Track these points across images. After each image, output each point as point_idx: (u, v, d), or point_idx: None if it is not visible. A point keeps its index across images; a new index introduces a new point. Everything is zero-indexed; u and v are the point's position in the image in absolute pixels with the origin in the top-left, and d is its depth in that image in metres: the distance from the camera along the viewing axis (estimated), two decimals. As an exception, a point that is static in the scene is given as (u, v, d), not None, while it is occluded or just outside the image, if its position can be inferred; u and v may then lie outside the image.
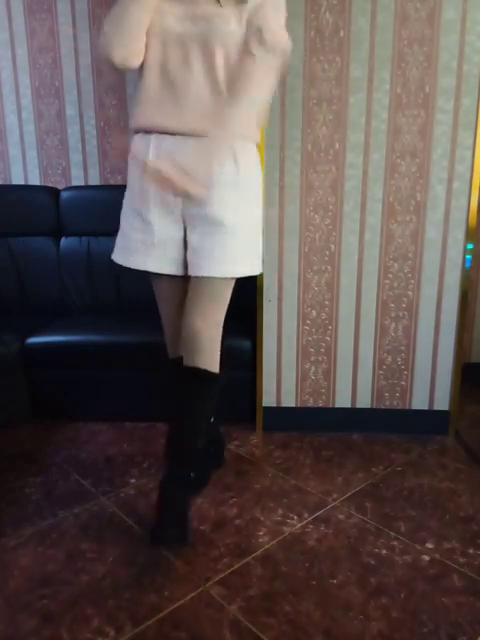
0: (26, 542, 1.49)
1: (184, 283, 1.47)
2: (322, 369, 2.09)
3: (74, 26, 2.53)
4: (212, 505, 1.66)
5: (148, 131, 1.38)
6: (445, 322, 2.01)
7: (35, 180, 2.72)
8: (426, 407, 2.10)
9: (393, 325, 2.04)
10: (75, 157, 2.67)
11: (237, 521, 1.58)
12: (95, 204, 2.51)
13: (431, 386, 2.08)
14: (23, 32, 2.56)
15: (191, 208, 1.39)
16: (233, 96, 1.33)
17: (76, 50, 2.55)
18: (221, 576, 1.36)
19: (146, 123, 1.38)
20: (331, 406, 2.12)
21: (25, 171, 2.72)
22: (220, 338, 1.45)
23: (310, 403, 2.13)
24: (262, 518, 1.59)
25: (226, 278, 1.41)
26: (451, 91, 1.82)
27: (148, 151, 1.38)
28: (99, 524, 1.57)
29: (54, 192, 2.54)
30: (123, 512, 1.63)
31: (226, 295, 1.45)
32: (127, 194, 1.49)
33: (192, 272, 1.41)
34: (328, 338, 2.06)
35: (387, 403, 2.11)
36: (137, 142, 1.42)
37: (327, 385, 2.11)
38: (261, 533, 1.52)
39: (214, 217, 1.37)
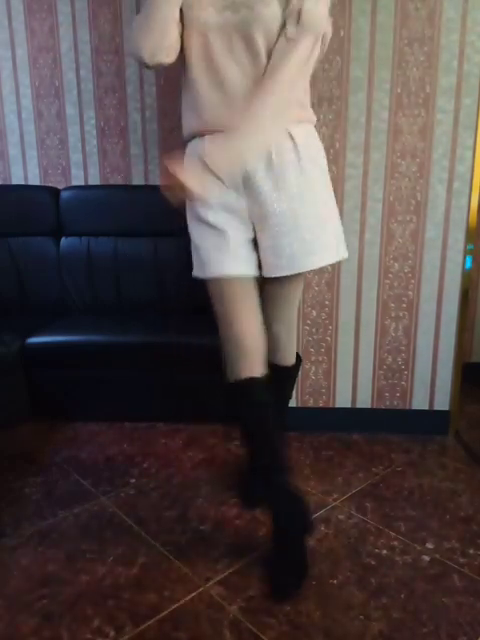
0: (26, 542, 1.49)
1: (257, 286, 1.40)
2: (322, 369, 2.09)
3: (74, 26, 2.53)
4: (212, 505, 1.66)
5: (201, 134, 1.32)
6: (445, 322, 2.01)
7: (35, 180, 2.72)
8: (426, 407, 2.10)
9: (393, 325, 2.04)
10: (75, 157, 2.67)
11: (237, 521, 1.58)
12: (95, 204, 2.50)
13: (431, 386, 2.08)
14: (23, 32, 2.56)
15: (256, 208, 1.33)
16: (275, 81, 1.24)
17: (76, 50, 2.55)
18: (221, 576, 1.36)
19: (198, 126, 1.32)
20: (331, 406, 2.12)
21: (25, 171, 2.72)
22: (296, 330, 1.56)
23: (310, 403, 2.12)
24: (262, 518, 1.59)
25: (301, 274, 1.39)
26: (452, 91, 1.82)
27: (203, 153, 1.30)
28: (99, 524, 1.57)
29: (54, 192, 2.54)
30: (123, 512, 1.63)
31: (301, 289, 1.51)
32: (188, 207, 1.41)
33: (269, 272, 1.36)
34: (328, 338, 2.06)
35: (387, 403, 2.11)
36: (191, 147, 1.36)
37: (327, 385, 2.11)
38: (261, 533, 1.52)
39: (282, 212, 1.30)
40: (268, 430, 1.38)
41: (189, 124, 1.36)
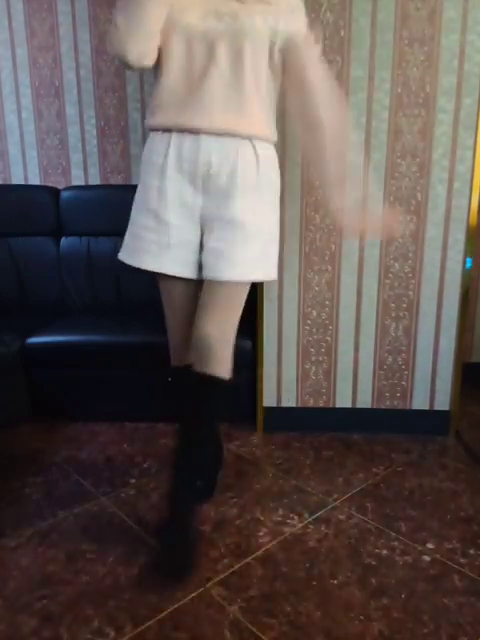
0: (26, 542, 1.49)
1: (196, 288, 1.43)
2: (322, 369, 2.09)
3: (74, 26, 2.53)
4: (212, 505, 1.65)
5: (167, 129, 1.34)
6: (445, 322, 2.01)
7: (35, 180, 2.72)
8: (426, 407, 2.10)
9: (393, 325, 2.04)
10: (75, 157, 2.67)
11: (237, 521, 1.58)
12: (95, 204, 2.50)
13: (431, 386, 2.08)
14: (23, 32, 2.56)
15: (211, 209, 1.36)
16: (258, 95, 1.32)
17: (76, 50, 2.55)
18: (221, 576, 1.36)
19: (167, 122, 1.33)
20: (331, 406, 2.12)
21: (25, 171, 2.72)
22: (233, 344, 1.42)
23: (310, 403, 2.12)
24: (262, 518, 1.59)
25: (243, 282, 1.38)
26: (452, 91, 1.82)
27: (168, 150, 1.34)
28: (99, 524, 1.57)
29: (54, 192, 2.54)
30: (123, 512, 1.62)
31: (242, 300, 1.42)
32: (140, 193, 1.42)
33: (208, 274, 1.37)
34: (328, 338, 2.06)
35: (387, 403, 2.11)
36: (154, 140, 1.37)
37: (327, 385, 2.10)
38: (261, 533, 1.52)
39: (235, 219, 1.33)
40: (185, 422, 1.45)
41: (155, 118, 1.36)
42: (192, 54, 1.29)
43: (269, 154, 1.39)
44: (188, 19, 1.27)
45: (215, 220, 1.36)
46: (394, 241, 1.95)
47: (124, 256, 1.48)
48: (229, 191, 1.34)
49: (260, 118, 1.34)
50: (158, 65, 1.33)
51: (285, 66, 1.37)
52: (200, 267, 1.40)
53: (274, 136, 1.42)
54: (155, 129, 1.37)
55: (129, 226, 1.46)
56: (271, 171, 1.40)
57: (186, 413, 1.46)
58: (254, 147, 1.35)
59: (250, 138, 1.34)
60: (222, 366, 1.39)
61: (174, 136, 1.33)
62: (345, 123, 1.48)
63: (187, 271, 1.41)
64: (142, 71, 1.34)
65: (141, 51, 1.25)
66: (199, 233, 1.39)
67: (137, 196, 1.43)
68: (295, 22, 1.34)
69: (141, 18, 1.23)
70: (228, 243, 1.34)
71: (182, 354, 1.51)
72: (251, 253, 1.36)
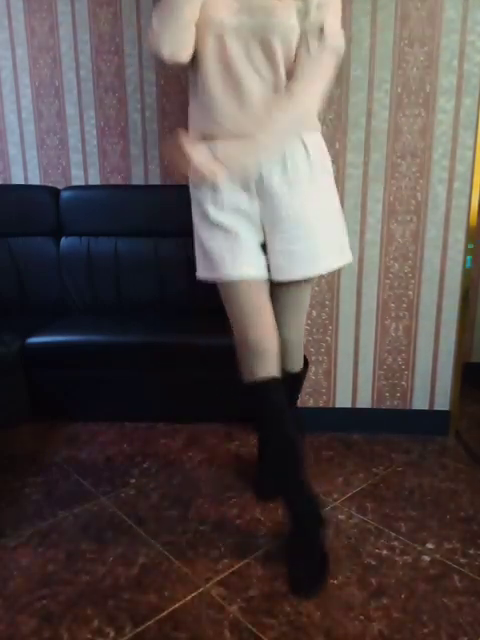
0: (26, 542, 1.49)
1: (268, 288, 1.41)
2: (322, 369, 2.09)
3: (74, 26, 2.53)
4: (212, 505, 1.66)
5: (212, 137, 1.30)
6: (445, 322, 2.01)
7: (35, 180, 2.72)
8: (426, 407, 2.10)
9: (393, 325, 2.03)
10: (75, 157, 2.67)
11: (237, 521, 1.58)
12: (95, 204, 2.50)
13: (431, 386, 2.08)
14: (23, 32, 2.56)
15: (270, 211, 1.34)
16: (297, 95, 1.28)
17: (76, 50, 2.55)
18: (221, 576, 1.36)
19: (210, 129, 1.31)
20: (331, 406, 2.12)
21: (25, 171, 2.72)
22: (304, 334, 1.57)
23: (310, 403, 2.12)
24: (262, 518, 1.59)
25: (311, 278, 1.41)
26: (452, 91, 1.82)
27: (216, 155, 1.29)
28: (99, 524, 1.57)
29: (54, 192, 2.54)
30: (123, 512, 1.62)
31: (309, 296, 1.52)
32: (196, 209, 1.40)
33: (279, 277, 1.37)
34: (328, 338, 2.06)
35: (387, 403, 2.11)
36: (201, 151, 1.30)
37: (327, 385, 2.10)
38: (262, 533, 1.52)
39: (297, 216, 1.32)
40: (286, 430, 1.40)
41: (199, 126, 1.35)
42: (226, 52, 1.26)
43: (317, 141, 1.37)
44: (221, 16, 1.25)
45: (276, 221, 1.34)
46: (394, 240, 1.95)
47: (202, 273, 1.41)
48: (284, 189, 1.32)
49: (308, 120, 1.33)
50: (194, 67, 1.31)
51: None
52: (268, 268, 1.39)
53: (318, 124, 1.38)
54: (199, 138, 1.33)
55: (196, 245, 1.42)
56: (322, 157, 1.38)
57: (279, 420, 1.40)
58: (301, 138, 1.32)
59: (296, 133, 1.32)
60: (299, 360, 1.58)
61: (220, 144, 1.29)
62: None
63: (260, 272, 1.37)
64: (176, 67, 1.31)
65: (175, 47, 1.24)
66: (262, 235, 1.38)
67: (194, 213, 1.41)
68: (326, 14, 1.26)
69: (173, 11, 1.23)
70: (293, 243, 1.34)
71: (268, 364, 1.38)
72: (318, 247, 1.36)
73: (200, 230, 1.40)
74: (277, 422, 1.40)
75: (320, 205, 1.36)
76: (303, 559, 1.36)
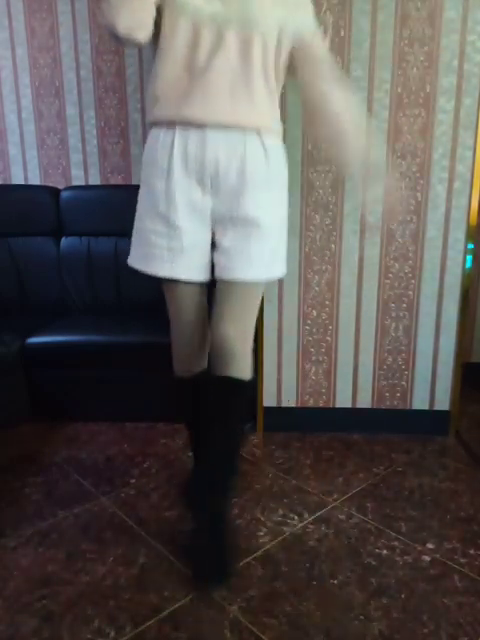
0: (26, 542, 1.49)
1: (206, 290, 1.42)
2: (322, 369, 2.09)
3: (74, 26, 2.53)
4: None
5: (170, 124, 1.26)
6: (445, 322, 2.01)
7: (35, 180, 2.72)
8: (426, 407, 2.10)
9: (393, 325, 2.03)
10: (75, 157, 2.67)
11: (238, 521, 1.58)
12: (95, 204, 2.50)
13: (431, 386, 2.08)
14: (23, 32, 2.56)
15: (222, 209, 1.31)
16: (267, 86, 1.28)
17: (76, 50, 2.55)
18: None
19: (169, 114, 1.25)
20: (331, 406, 2.12)
21: (25, 171, 2.72)
22: (252, 343, 1.39)
23: (310, 403, 2.12)
24: (262, 518, 1.59)
25: (260, 281, 1.36)
26: (452, 91, 1.82)
27: (172, 149, 1.27)
28: (99, 524, 1.57)
29: (54, 192, 2.54)
30: (123, 512, 1.62)
31: (259, 299, 1.40)
32: (144, 196, 1.35)
33: (224, 275, 1.33)
34: (328, 338, 2.06)
35: (387, 403, 2.11)
36: (157, 138, 1.29)
37: (327, 385, 2.10)
38: (262, 533, 1.52)
39: (248, 217, 1.29)
40: (201, 429, 1.45)
41: (160, 109, 1.28)
42: (198, 39, 1.22)
43: (276, 146, 1.35)
44: (195, 2, 1.20)
45: (227, 220, 1.31)
46: (394, 240, 1.96)
47: (134, 262, 1.40)
48: (240, 189, 1.29)
49: (267, 109, 1.30)
50: (159, 49, 1.25)
51: (297, 64, 1.34)
52: (211, 268, 1.37)
53: (281, 128, 1.38)
54: (157, 123, 1.29)
55: (135, 230, 1.39)
56: (280, 164, 1.36)
57: (208, 419, 1.40)
58: (262, 139, 1.29)
59: (258, 130, 1.28)
60: (244, 367, 1.36)
61: (178, 132, 1.26)
62: (359, 117, 1.46)
63: (201, 274, 1.37)
64: (134, 46, 1.27)
65: (132, 22, 1.17)
66: (210, 234, 1.35)
67: (141, 199, 1.36)
68: (303, 17, 1.31)
69: None
70: (243, 242, 1.31)
71: (193, 363, 1.47)
72: (266, 251, 1.34)
73: (145, 217, 1.35)
74: (192, 418, 1.51)
75: (271, 213, 1.33)
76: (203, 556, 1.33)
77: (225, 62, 1.23)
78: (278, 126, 1.36)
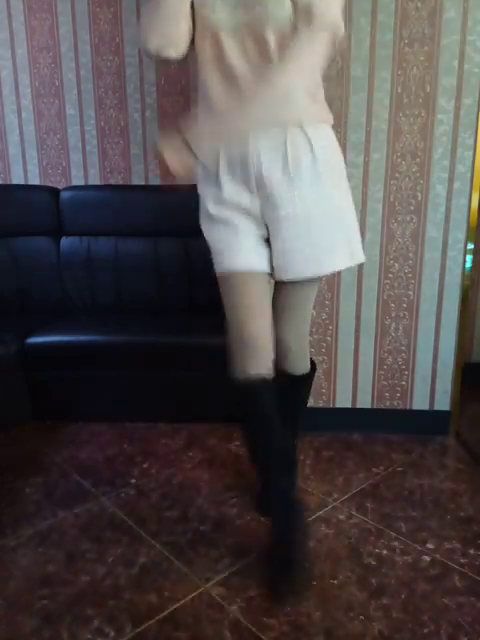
0: (26, 542, 1.49)
1: (269, 284, 1.40)
2: (322, 369, 2.09)
3: (74, 26, 2.53)
4: (212, 505, 1.65)
5: (220, 140, 1.31)
6: (445, 322, 2.01)
7: (35, 180, 2.72)
8: (427, 407, 2.10)
9: (393, 325, 2.03)
10: (75, 157, 2.67)
11: (238, 521, 1.58)
12: (95, 204, 2.50)
13: (431, 386, 2.08)
14: (23, 32, 2.56)
15: (270, 210, 1.31)
16: (298, 78, 1.24)
17: (76, 50, 2.55)
18: (221, 576, 1.36)
19: (218, 130, 1.29)
20: (331, 406, 2.12)
21: (25, 171, 2.72)
22: (308, 338, 1.50)
23: (310, 403, 2.12)
24: (262, 518, 1.59)
25: (314, 279, 1.37)
26: (452, 91, 1.82)
27: (218, 157, 1.30)
28: (99, 524, 1.57)
29: (54, 192, 2.54)
30: (123, 512, 1.62)
31: (313, 296, 1.45)
32: (201, 208, 1.39)
33: (281, 276, 1.34)
34: (328, 338, 2.06)
35: (387, 403, 2.11)
36: (204, 148, 1.31)
37: (327, 385, 2.10)
38: (261, 533, 1.52)
39: (294, 216, 1.29)
40: (272, 430, 1.38)
41: (208, 129, 1.31)
42: (224, 50, 1.25)
43: (323, 136, 1.31)
44: (218, 17, 1.23)
45: (276, 220, 1.31)
46: (394, 240, 1.95)
47: (218, 269, 1.38)
48: (284, 187, 1.28)
49: (303, 99, 1.27)
50: (197, 63, 1.30)
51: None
52: (271, 263, 1.36)
53: (328, 116, 1.34)
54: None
55: (211, 244, 1.39)
56: (329, 153, 1.32)
57: (266, 420, 1.39)
58: (305, 133, 1.27)
59: (298, 123, 1.27)
60: (305, 363, 1.52)
61: (223, 147, 1.30)
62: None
63: (260, 265, 1.35)
64: (169, 64, 1.33)
65: (160, 41, 1.24)
66: (265, 230, 1.35)
67: (200, 209, 1.40)
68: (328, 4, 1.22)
69: (159, 5, 1.22)
70: (293, 241, 1.30)
71: (261, 360, 1.35)
72: (321, 245, 1.32)
73: (203, 226, 1.39)
74: (264, 423, 1.38)
75: (323, 204, 1.31)
76: (284, 564, 1.32)
77: (248, 66, 1.24)
78: (322, 112, 1.32)
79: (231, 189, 1.31)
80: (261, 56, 1.24)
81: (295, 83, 1.25)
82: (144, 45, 1.25)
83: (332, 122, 1.36)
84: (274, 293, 1.41)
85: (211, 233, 1.37)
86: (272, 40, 1.22)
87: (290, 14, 1.21)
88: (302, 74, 1.26)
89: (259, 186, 1.30)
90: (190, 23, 1.27)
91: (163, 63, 1.35)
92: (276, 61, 1.24)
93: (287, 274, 1.34)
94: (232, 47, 1.25)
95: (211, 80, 1.28)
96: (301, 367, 1.53)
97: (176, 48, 1.26)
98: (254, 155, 1.27)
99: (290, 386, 1.53)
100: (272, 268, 1.36)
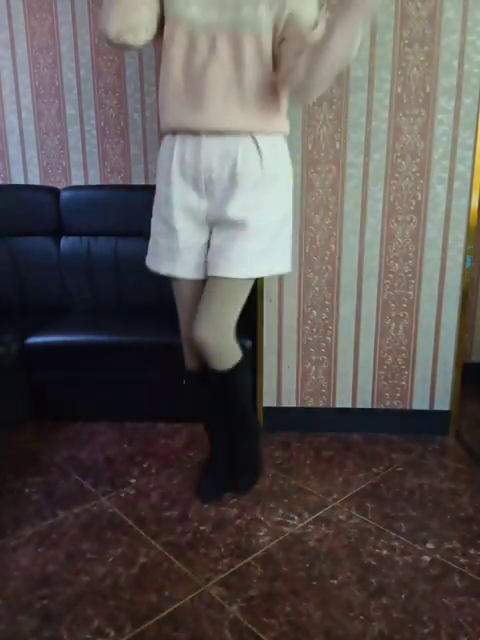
0: (26, 542, 1.49)
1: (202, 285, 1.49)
2: (322, 369, 2.09)
3: (74, 26, 2.53)
4: (212, 505, 1.65)
5: (174, 132, 1.36)
6: (445, 322, 2.01)
7: (35, 180, 2.72)
8: (426, 407, 2.10)
9: (393, 325, 2.03)
10: (75, 157, 2.67)
11: (237, 521, 1.58)
12: (95, 204, 2.50)
13: (431, 386, 2.08)
14: (23, 32, 2.56)
15: (215, 211, 1.39)
16: (262, 87, 1.28)
17: (76, 50, 2.55)
18: (221, 576, 1.36)
19: (171, 122, 1.34)
20: (331, 406, 2.12)
21: (25, 171, 2.72)
22: (233, 330, 1.46)
23: (310, 403, 2.12)
24: (262, 518, 1.59)
25: (240, 279, 1.40)
26: (452, 91, 1.82)
27: (172, 155, 1.37)
28: (99, 524, 1.57)
29: (54, 192, 2.54)
30: (123, 512, 1.62)
31: (240, 297, 1.44)
32: (155, 199, 1.48)
33: (209, 272, 1.41)
34: (328, 338, 2.06)
35: (387, 403, 2.11)
36: (164, 144, 1.42)
37: (327, 385, 2.10)
38: (262, 533, 1.52)
39: (235, 218, 1.35)
40: (220, 410, 1.61)
41: (164, 117, 1.36)
42: (194, 49, 1.26)
43: (274, 147, 1.37)
44: (190, 12, 1.24)
45: (219, 221, 1.39)
46: (394, 240, 1.96)
47: (149, 262, 1.53)
48: (230, 192, 1.35)
49: (262, 110, 1.31)
50: (163, 58, 1.31)
51: (281, 50, 1.27)
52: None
53: (284, 127, 1.40)
54: (165, 131, 1.39)
55: (151, 232, 1.51)
56: (277, 164, 1.39)
57: (216, 406, 1.62)
58: (256, 142, 1.33)
59: (251, 133, 1.32)
60: (226, 359, 1.48)
61: (178, 140, 1.35)
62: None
63: (196, 273, 1.46)
64: (126, 50, 1.33)
65: (120, 27, 1.23)
66: (207, 235, 1.44)
67: (154, 202, 1.48)
68: (305, 6, 1.25)
69: None
70: (228, 241, 1.37)
71: (193, 357, 1.58)
72: (252, 250, 1.37)
73: (153, 220, 1.48)
74: (208, 404, 1.65)
75: (262, 213, 1.37)
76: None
77: (218, 69, 1.26)
78: (277, 125, 1.37)
79: (180, 191, 1.38)
80: (230, 59, 1.25)
81: (264, 91, 1.28)
82: (103, 30, 1.24)
83: (287, 133, 1.42)
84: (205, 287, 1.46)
85: (158, 232, 1.46)
86: (248, 44, 1.24)
87: (267, 18, 1.22)
88: (269, 83, 1.29)
89: (208, 188, 1.36)
90: (154, 12, 1.26)
91: (123, 50, 1.36)
92: (249, 68, 1.25)
93: (212, 270, 1.40)
94: (202, 45, 1.25)
95: (174, 74, 1.29)
96: (219, 362, 1.48)
97: (135, 35, 1.25)
98: (206, 158, 1.32)
99: (214, 381, 1.55)
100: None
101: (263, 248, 1.39)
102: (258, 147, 1.33)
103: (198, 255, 1.44)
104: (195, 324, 1.43)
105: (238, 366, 1.51)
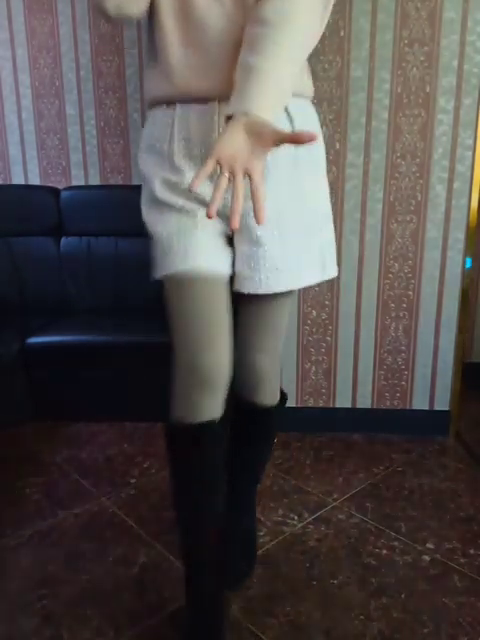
0: (26, 542, 1.49)
1: (228, 294, 1.05)
2: (322, 369, 2.09)
3: (74, 26, 2.53)
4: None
5: (170, 102, 0.99)
6: (445, 322, 2.01)
7: (35, 180, 2.72)
8: (426, 407, 2.10)
9: (393, 325, 2.04)
10: (75, 157, 2.67)
11: (237, 521, 1.58)
12: (95, 204, 2.50)
13: (431, 386, 2.08)
14: (23, 32, 2.56)
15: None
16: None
17: (76, 50, 2.55)
18: (221, 576, 1.35)
19: (168, 89, 0.98)
20: (331, 406, 2.12)
21: (25, 171, 2.72)
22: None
23: (310, 403, 2.12)
24: (262, 518, 1.59)
25: (293, 291, 1.09)
26: (452, 91, 1.82)
27: (172, 132, 0.99)
28: (99, 524, 1.57)
29: (54, 192, 2.54)
30: (123, 512, 1.62)
31: (289, 310, 1.16)
32: (143, 190, 1.07)
33: (247, 288, 1.03)
34: (328, 338, 2.06)
35: (387, 403, 2.11)
36: (154, 121, 1.03)
37: (327, 385, 2.10)
38: (261, 533, 1.52)
39: (268, 214, 0.91)
40: (214, 500, 1.08)
41: (156, 88, 1.02)
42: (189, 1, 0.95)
43: (305, 113, 1.04)
44: None
45: (244, 215, 0.98)
46: (394, 240, 1.96)
47: (159, 273, 1.04)
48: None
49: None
50: (151, 19, 1.01)
51: None
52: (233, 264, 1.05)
53: (309, 89, 1.07)
54: (155, 103, 1.03)
55: (153, 236, 1.05)
56: (311, 146, 0.94)
57: (210, 482, 1.09)
58: (286, 107, 0.97)
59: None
60: (276, 393, 1.21)
61: (178, 111, 0.99)
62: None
63: (224, 267, 1.03)
64: (123, 24, 1.10)
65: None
66: (225, 225, 1.03)
67: (143, 190, 1.07)
68: None
69: None
70: (266, 247, 1.01)
71: (215, 399, 1.04)
72: (298, 254, 1.04)
73: (148, 215, 1.05)
74: (207, 487, 1.07)
75: (302, 203, 1.04)
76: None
77: (220, 11, 0.94)
78: (304, 86, 1.04)
79: (187, 173, 0.99)
80: (238, 7, 0.94)
81: (299, 46, 0.92)
82: (100, 4, 0.96)
83: (311, 96, 1.09)
84: (237, 307, 1.10)
85: (159, 220, 1.02)
86: None
87: None
88: (309, 33, 0.94)
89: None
90: None
91: (119, 24, 1.09)
92: (250, 5, 0.93)
93: (251, 287, 1.03)
94: None
95: (173, 33, 0.97)
96: (273, 396, 1.22)
97: (139, 6, 0.98)
98: (220, 129, 0.96)
99: (258, 422, 1.24)
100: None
101: (303, 251, 1.06)
102: (288, 113, 0.98)
103: (221, 243, 1.03)
104: (245, 347, 1.12)
105: (283, 398, 1.26)
